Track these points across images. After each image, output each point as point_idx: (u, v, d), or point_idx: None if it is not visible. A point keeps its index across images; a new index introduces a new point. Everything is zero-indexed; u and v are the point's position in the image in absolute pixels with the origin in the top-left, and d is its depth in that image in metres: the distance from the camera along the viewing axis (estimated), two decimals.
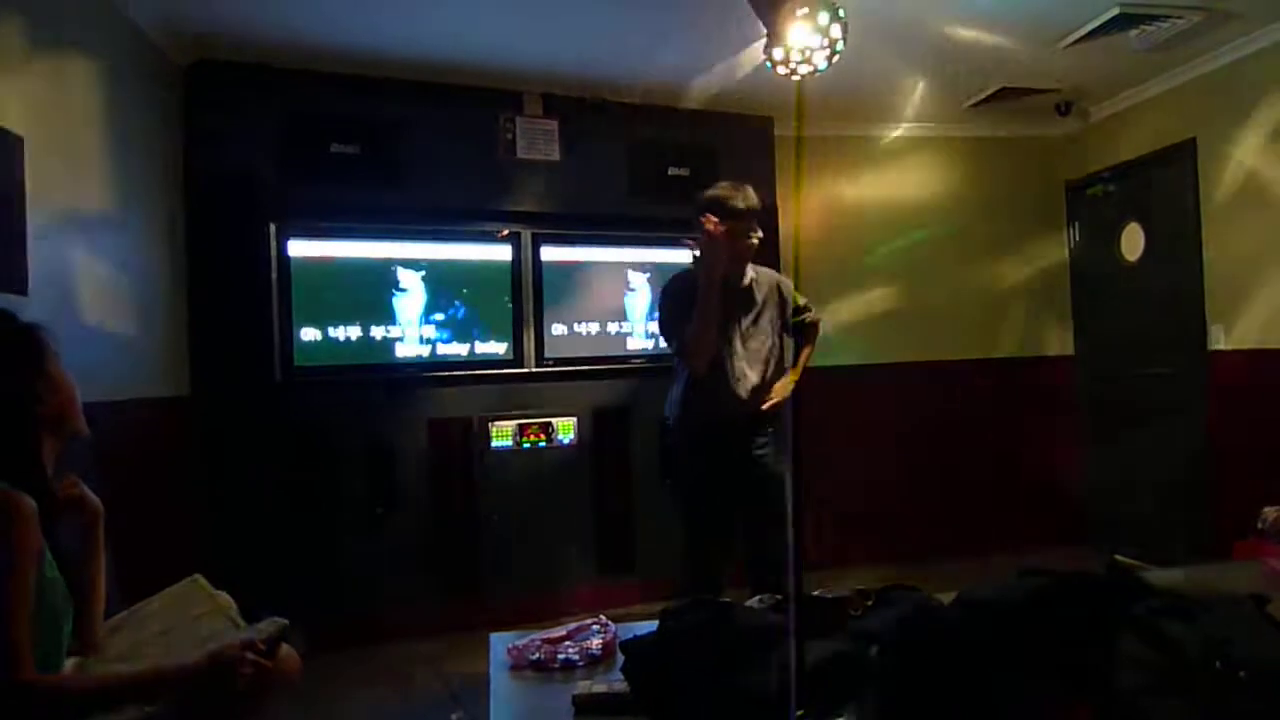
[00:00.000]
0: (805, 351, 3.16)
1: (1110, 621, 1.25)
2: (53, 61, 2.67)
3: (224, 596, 1.96)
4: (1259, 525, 3.51)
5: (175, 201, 3.63)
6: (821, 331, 3.27)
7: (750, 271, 3.07)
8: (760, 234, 2.99)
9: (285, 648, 1.78)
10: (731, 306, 2.99)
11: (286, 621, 1.81)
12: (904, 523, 5.02)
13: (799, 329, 3.11)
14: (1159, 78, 4.52)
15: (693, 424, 3.05)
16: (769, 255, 4.60)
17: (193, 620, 1.86)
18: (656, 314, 3.17)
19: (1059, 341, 5.41)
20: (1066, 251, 5.41)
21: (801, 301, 3.15)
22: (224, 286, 3.74)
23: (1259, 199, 4.08)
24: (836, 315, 5.07)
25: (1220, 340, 4.29)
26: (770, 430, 3.07)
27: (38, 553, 1.52)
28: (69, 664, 1.75)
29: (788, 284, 3.15)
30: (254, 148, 3.79)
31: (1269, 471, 3.72)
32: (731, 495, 3.02)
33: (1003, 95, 4.66)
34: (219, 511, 3.70)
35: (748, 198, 2.93)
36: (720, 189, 2.96)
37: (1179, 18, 3.65)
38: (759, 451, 3.02)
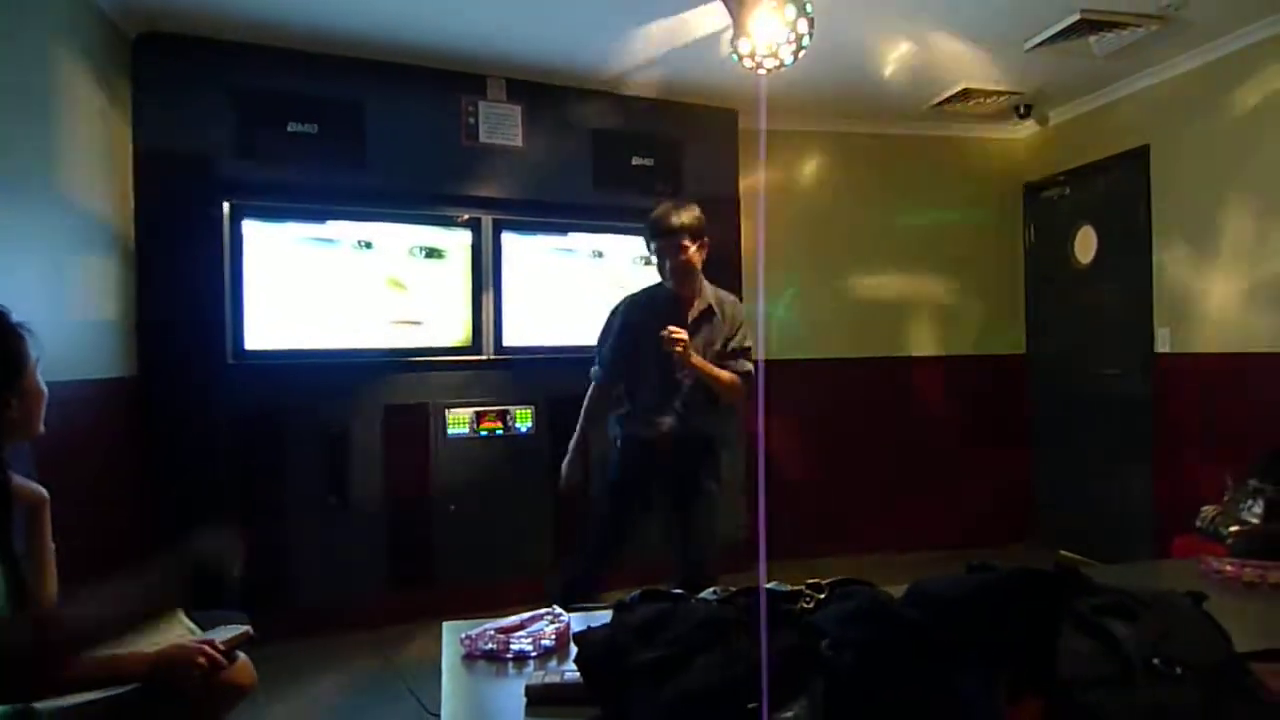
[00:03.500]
0: (722, 375, 3.00)
1: (1055, 617, 1.27)
2: None
3: (180, 610, 1.93)
4: (1198, 524, 3.62)
5: (125, 176, 3.53)
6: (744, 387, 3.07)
7: (709, 298, 3.08)
8: (694, 247, 2.99)
9: (243, 657, 1.75)
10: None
11: (249, 628, 1.79)
12: (855, 517, 5.09)
13: (728, 361, 3.05)
14: (1116, 84, 4.61)
15: (630, 444, 3.11)
16: (729, 248, 4.64)
17: (149, 628, 1.83)
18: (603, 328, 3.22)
19: (1012, 340, 5.51)
20: (1022, 252, 5.50)
21: (746, 344, 3.10)
22: (174, 266, 3.65)
23: (1207, 207, 4.18)
24: (795, 310, 5.12)
25: (1166, 343, 4.40)
26: (706, 451, 3.11)
27: None
28: None
29: (739, 315, 3.14)
30: (207, 124, 3.70)
31: (1209, 472, 3.83)
32: (654, 507, 3.11)
33: (964, 96, 4.72)
34: (166, 496, 3.61)
35: (680, 214, 2.98)
36: (658, 208, 3.03)
37: (1138, 25, 3.72)
38: (692, 470, 3.07)
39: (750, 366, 3.11)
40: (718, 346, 3.06)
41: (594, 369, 3.22)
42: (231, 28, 3.66)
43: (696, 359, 2.93)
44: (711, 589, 1.84)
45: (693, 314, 3.04)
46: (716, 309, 3.09)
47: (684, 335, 2.90)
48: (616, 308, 3.20)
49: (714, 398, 3.07)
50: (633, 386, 3.11)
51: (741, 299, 4.65)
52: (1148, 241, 4.49)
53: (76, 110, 3.13)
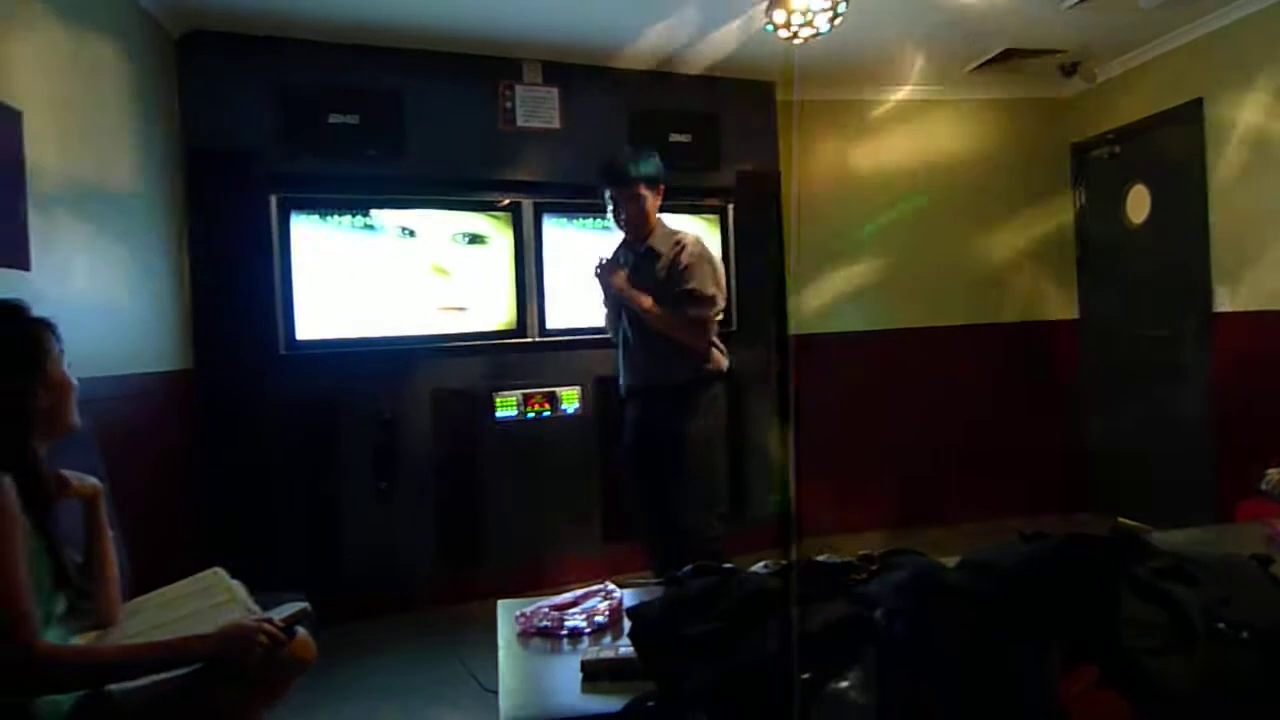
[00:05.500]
0: (650, 305, 2.99)
1: (1114, 583, 1.26)
2: (47, 33, 2.64)
3: (241, 589, 1.98)
4: (1262, 487, 3.52)
5: (174, 173, 3.61)
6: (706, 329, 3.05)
7: (654, 240, 3.08)
8: (650, 196, 3.04)
9: (302, 632, 1.80)
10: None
11: (308, 605, 1.83)
12: (906, 488, 5.04)
13: (675, 305, 3.00)
14: (1165, 37, 4.45)
15: (621, 394, 3.24)
16: (768, 221, 4.61)
17: (212, 608, 1.89)
18: None
19: (1062, 306, 5.39)
20: (1072, 214, 5.37)
21: (691, 286, 2.99)
22: (226, 259, 3.73)
23: (1266, 159, 4.03)
24: (838, 280, 5.07)
25: (1225, 302, 4.27)
26: (691, 406, 3.07)
27: (20, 526, 1.52)
28: (89, 637, 1.77)
29: (687, 258, 3.04)
30: (251, 119, 3.76)
31: (1272, 433, 3.72)
32: (647, 469, 3.13)
33: (1006, 57, 4.59)
34: (223, 485, 3.72)
35: (638, 162, 3.02)
36: (616, 154, 3.11)
37: None
38: (673, 426, 3.06)
39: (697, 312, 3.00)
40: (654, 285, 3.02)
41: None
42: (271, 23, 3.71)
43: (620, 284, 3.00)
44: (762, 562, 1.84)
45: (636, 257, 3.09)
46: (659, 249, 3.07)
47: (614, 270, 3.01)
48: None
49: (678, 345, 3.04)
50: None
51: (784, 270, 4.65)
52: (1204, 198, 4.34)
53: (125, 110, 3.20)
